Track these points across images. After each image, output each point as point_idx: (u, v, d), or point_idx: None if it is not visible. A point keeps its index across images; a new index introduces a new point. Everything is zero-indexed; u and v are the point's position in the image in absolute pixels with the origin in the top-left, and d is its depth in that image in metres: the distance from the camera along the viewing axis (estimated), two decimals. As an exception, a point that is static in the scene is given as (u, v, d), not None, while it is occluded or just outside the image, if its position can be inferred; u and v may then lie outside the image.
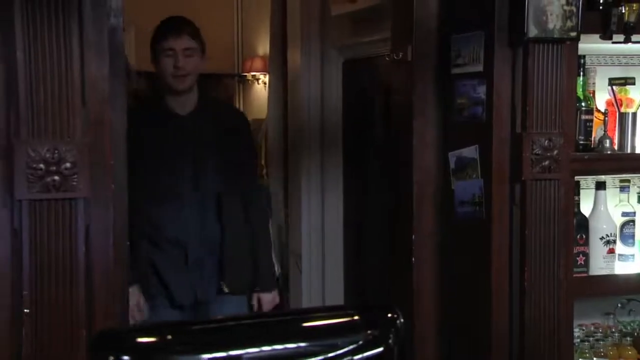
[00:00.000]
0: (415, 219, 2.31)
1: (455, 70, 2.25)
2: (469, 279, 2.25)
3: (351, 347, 0.96)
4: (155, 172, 2.55)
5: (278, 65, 3.85)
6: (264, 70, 5.55)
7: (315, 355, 0.96)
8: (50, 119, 1.72)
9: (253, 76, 5.78)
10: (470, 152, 2.21)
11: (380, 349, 0.99)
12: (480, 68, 2.16)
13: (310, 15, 3.56)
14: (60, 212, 1.74)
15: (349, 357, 0.96)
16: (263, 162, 4.62)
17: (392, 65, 2.46)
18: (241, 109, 6.01)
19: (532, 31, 2.05)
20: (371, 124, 3.41)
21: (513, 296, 2.16)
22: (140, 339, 0.89)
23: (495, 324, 2.16)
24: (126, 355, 0.85)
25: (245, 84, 6.00)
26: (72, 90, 1.73)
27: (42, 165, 1.71)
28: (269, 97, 4.11)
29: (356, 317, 1.00)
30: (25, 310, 1.72)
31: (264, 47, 5.57)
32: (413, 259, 2.31)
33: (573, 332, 2.26)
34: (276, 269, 2.95)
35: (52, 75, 1.71)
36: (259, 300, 2.69)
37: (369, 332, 0.99)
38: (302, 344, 0.97)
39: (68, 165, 1.73)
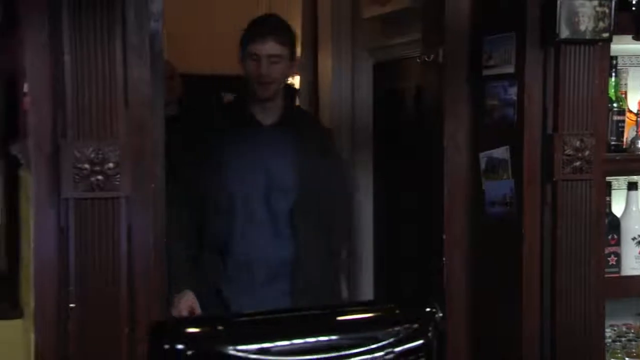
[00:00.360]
0: (445, 219, 2.33)
1: (487, 72, 2.27)
2: (500, 279, 2.27)
3: (391, 339, 1.00)
4: (225, 184, 2.41)
5: (309, 68, 3.89)
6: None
7: (357, 347, 1.00)
8: (95, 120, 1.78)
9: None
10: (501, 152, 2.23)
11: (420, 342, 1.02)
12: (511, 69, 2.18)
13: (341, 18, 3.60)
14: (103, 210, 1.80)
15: (390, 349, 0.99)
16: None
17: (423, 67, 2.48)
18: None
19: (564, 32, 2.06)
20: (402, 126, 3.43)
21: (544, 296, 2.17)
22: (192, 329, 0.94)
23: (526, 324, 2.18)
24: (181, 344, 0.90)
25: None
26: (116, 93, 1.79)
27: (87, 165, 1.77)
28: (299, 98, 4.16)
29: (397, 311, 1.04)
30: (71, 305, 1.78)
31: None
32: (444, 259, 2.33)
33: (605, 332, 2.27)
34: (344, 294, 2.75)
35: (97, 79, 1.77)
36: None
37: (408, 325, 1.02)
38: (345, 336, 1.01)
39: (111, 165, 1.79)
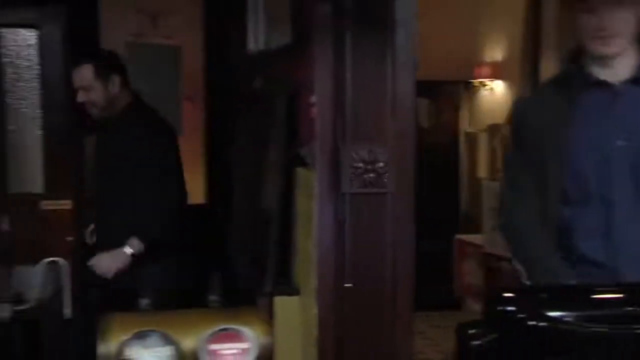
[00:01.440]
0: None
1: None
2: None
3: None
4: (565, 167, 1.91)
5: (525, 73, 4.00)
6: (492, 76, 5.70)
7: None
8: (368, 126, 2.07)
9: (480, 82, 5.95)
10: None
11: None
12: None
13: (568, 27, 3.67)
14: (373, 204, 2.09)
15: None
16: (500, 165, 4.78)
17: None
18: (467, 115, 6.20)
19: None
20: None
21: None
22: (522, 296, 1.14)
23: None
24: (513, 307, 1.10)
25: (471, 90, 6.18)
26: (385, 104, 2.07)
27: (361, 165, 2.07)
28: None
29: None
30: (347, 285, 2.08)
31: (491, 53, 5.72)
32: None
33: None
34: None
35: (370, 92, 2.06)
36: None
37: None
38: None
39: (381, 164, 2.07)
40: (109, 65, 2.90)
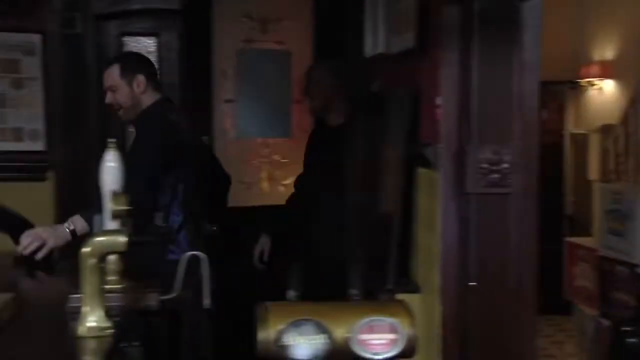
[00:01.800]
0: None
1: None
2: None
3: None
4: None
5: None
6: (601, 75, 5.54)
7: None
8: (494, 127, 2.09)
9: (588, 82, 5.80)
10: None
11: None
12: None
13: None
14: (498, 204, 2.11)
15: None
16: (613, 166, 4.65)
17: None
18: (572, 116, 6.05)
19: None
20: None
21: None
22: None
23: None
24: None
25: (577, 90, 6.03)
26: (511, 104, 2.09)
27: (486, 165, 2.09)
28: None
29: None
30: (471, 284, 2.11)
31: (600, 52, 5.57)
32: None
33: None
34: None
35: (497, 92, 2.08)
36: None
37: None
38: None
39: (506, 165, 2.09)
40: (134, 65, 2.86)
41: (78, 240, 2.37)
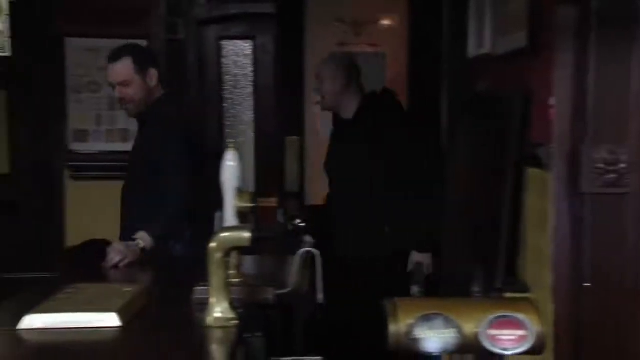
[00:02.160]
0: None
1: None
2: None
3: None
4: None
5: None
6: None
7: None
8: (610, 126, 2.07)
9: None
10: None
11: None
12: None
13: None
14: (614, 204, 2.09)
15: None
16: None
17: None
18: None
19: None
20: None
21: None
22: None
23: None
24: None
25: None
26: (629, 103, 2.06)
27: (602, 165, 2.08)
28: None
29: None
30: (586, 285, 2.10)
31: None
32: None
33: None
34: None
35: (614, 91, 2.06)
36: None
37: None
38: None
39: (623, 165, 2.07)
40: (147, 58, 2.83)
41: (147, 254, 2.58)
